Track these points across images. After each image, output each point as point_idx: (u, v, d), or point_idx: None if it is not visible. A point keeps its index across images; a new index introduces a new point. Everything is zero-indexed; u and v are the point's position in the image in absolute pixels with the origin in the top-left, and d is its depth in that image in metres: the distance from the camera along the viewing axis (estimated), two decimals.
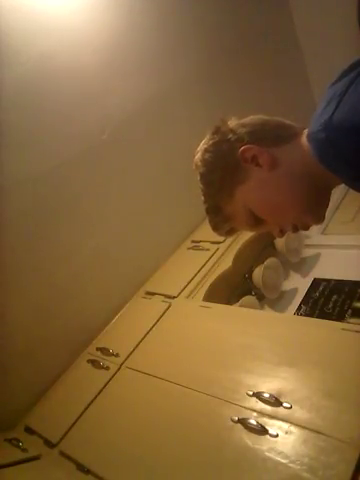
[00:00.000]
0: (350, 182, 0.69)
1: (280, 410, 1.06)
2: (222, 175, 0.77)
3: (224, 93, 2.24)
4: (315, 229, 2.23)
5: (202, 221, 2.09)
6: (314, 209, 0.76)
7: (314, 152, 0.68)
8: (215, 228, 0.85)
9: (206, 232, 2.08)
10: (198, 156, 0.81)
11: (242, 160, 0.76)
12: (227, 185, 0.77)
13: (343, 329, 1.22)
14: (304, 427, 1.00)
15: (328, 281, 1.91)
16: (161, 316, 1.60)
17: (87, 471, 1.14)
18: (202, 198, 0.83)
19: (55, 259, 1.60)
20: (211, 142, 0.79)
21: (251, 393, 1.13)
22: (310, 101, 2.69)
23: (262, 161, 0.74)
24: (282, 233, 0.79)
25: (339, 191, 2.21)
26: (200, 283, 1.74)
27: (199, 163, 0.81)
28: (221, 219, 0.82)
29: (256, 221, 0.77)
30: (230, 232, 0.85)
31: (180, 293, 1.71)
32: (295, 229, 0.77)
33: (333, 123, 0.62)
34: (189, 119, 2.06)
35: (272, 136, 0.76)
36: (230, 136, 0.77)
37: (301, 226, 0.77)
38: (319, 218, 0.76)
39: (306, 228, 0.77)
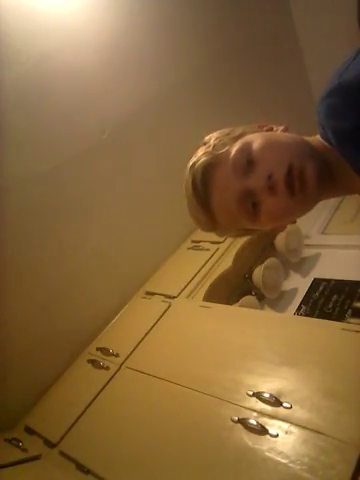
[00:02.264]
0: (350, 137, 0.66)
1: (280, 410, 1.06)
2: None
3: (224, 94, 2.25)
4: (315, 229, 2.23)
5: None
6: (318, 164, 0.68)
7: (322, 116, 0.68)
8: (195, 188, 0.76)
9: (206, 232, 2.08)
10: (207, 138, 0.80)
11: (257, 127, 0.77)
12: (237, 134, 0.75)
13: (343, 329, 1.22)
14: (304, 427, 1.00)
15: (328, 281, 1.91)
16: (161, 316, 1.60)
17: (87, 471, 1.15)
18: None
19: (55, 259, 1.60)
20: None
21: (251, 393, 1.13)
22: (310, 101, 2.69)
23: (276, 130, 0.76)
24: (270, 181, 0.67)
25: None
26: (200, 283, 1.74)
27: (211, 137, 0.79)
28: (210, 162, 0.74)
29: (247, 163, 0.70)
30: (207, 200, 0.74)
31: (180, 293, 1.71)
32: (289, 173, 0.66)
33: (341, 84, 0.63)
34: (189, 119, 2.06)
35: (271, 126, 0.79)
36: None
37: (298, 167, 0.66)
38: (318, 172, 0.67)
39: (300, 173, 0.66)
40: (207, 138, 0.79)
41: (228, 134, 0.76)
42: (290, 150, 0.69)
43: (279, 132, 0.76)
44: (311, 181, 0.67)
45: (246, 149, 0.71)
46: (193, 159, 0.76)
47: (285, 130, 0.76)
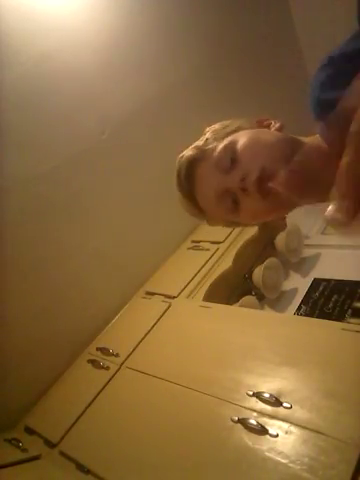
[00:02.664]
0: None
1: (280, 410, 1.06)
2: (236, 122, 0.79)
3: (224, 93, 2.25)
4: (315, 229, 2.23)
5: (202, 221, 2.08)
6: (294, 169, 0.68)
7: (313, 94, 0.68)
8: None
9: (206, 232, 2.08)
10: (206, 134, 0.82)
11: (256, 122, 0.78)
12: (231, 130, 0.77)
13: (343, 329, 1.22)
14: (304, 427, 1.00)
15: (328, 281, 1.91)
16: (161, 316, 1.60)
17: (87, 471, 1.15)
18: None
19: (55, 259, 1.60)
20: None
21: (251, 393, 1.13)
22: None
23: (273, 126, 0.77)
24: (242, 182, 0.69)
25: None
26: (200, 283, 1.74)
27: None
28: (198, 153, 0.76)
29: (231, 162, 0.71)
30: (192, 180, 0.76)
31: (180, 293, 1.71)
32: (259, 179, 0.67)
33: (331, 56, 0.64)
34: (189, 119, 2.05)
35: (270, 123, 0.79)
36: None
37: (270, 170, 0.67)
38: (291, 177, 0.67)
39: (271, 177, 0.67)
40: (207, 129, 0.81)
41: (225, 128, 0.78)
42: (270, 152, 0.70)
43: (273, 130, 0.76)
44: (281, 186, 0.67)
45: (230, 148, 0.72)
46: (184, 151, 0.79)
47: (280, 128, 0.76)
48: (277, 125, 0.77)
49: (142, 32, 1.85)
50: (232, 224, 0.85)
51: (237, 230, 1.93)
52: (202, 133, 0.81)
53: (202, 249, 1.92)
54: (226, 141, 0.74)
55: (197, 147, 0.77)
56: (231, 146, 0.72)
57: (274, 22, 2.58)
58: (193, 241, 2.01)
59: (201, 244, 1.95)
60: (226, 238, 1.91)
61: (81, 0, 1.60)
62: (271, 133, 0.75)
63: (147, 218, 1.92)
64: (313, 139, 0.74)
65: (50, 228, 1.57)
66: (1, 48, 1.38)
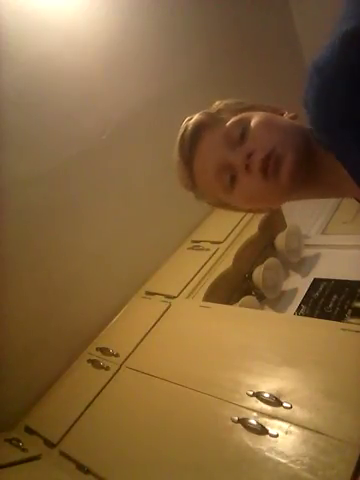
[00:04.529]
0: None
1: (280, 410, 1.06)
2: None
3: (224, 94, 2.22)
4: (315, 229, 2.24)
5: (202, 221, 2.09)
6: (301, 159, 0.67)
7: (310, 106, 0.66)
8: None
9: (206, 232, 2.09)
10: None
11: (270, 108, 0.76)
12: (245, 107, 0.75)
13: (343, 329, 1.22)
14: (304, 427, 1.00)
15: (328, 281, 1.91)
16: (161, 316, 1.60)
17: (87, 471, 1.15)
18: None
19: (55, 259, 1.60)
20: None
21: (251, 393, 1.13)
22: None
23: (286, 115, 0.75)
24: (248, 159, 0.67)
25: None
26: (200, 283, 1.74)
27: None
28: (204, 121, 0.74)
29: (240, 137, 0.69)
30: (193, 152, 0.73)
31: (180, 293, 1.71)
32: (268, 157, 0.65)
33: (321, 77, 0.63)
34: None
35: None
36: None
37: (278, 153, 0.65)
38: (297, 164, 0.66)
39: (277, 163, 0.65)
40: (218, 101, 0.78)
41: (239, 103, 0.75)
42: (281, 136, 0.68)
43: (286, 118, 0.74)
44: (286, 170, 0.65)
45: (243, 123, 0.70)
46: (194, 114, 0.75)
47: (294, 117, 0.75)
48: (291, 115, 0.75)
49: (142, 33, 1.85)
50: (219, 204, 0.81)
51: (237, 230, 1.93)
52: (212, 104, 0.77)
53: (202, 249, 1.92)
54: (240, 115, 0.71)
55: (208, 113, 0.73)
56: (244, 121, 0.70)
57: (274, 22, 2.59)
58: (193, 241, 2.01)
59: (201, 244, 1.95)
60: (226, 238, 1.91)
61: (81, 0, 1.60)
62: (286, 119, 0.73)
63: (147, 218, 1.92)
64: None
65: (50, 228, 1.57)
66: (1, 48, 1.38)
